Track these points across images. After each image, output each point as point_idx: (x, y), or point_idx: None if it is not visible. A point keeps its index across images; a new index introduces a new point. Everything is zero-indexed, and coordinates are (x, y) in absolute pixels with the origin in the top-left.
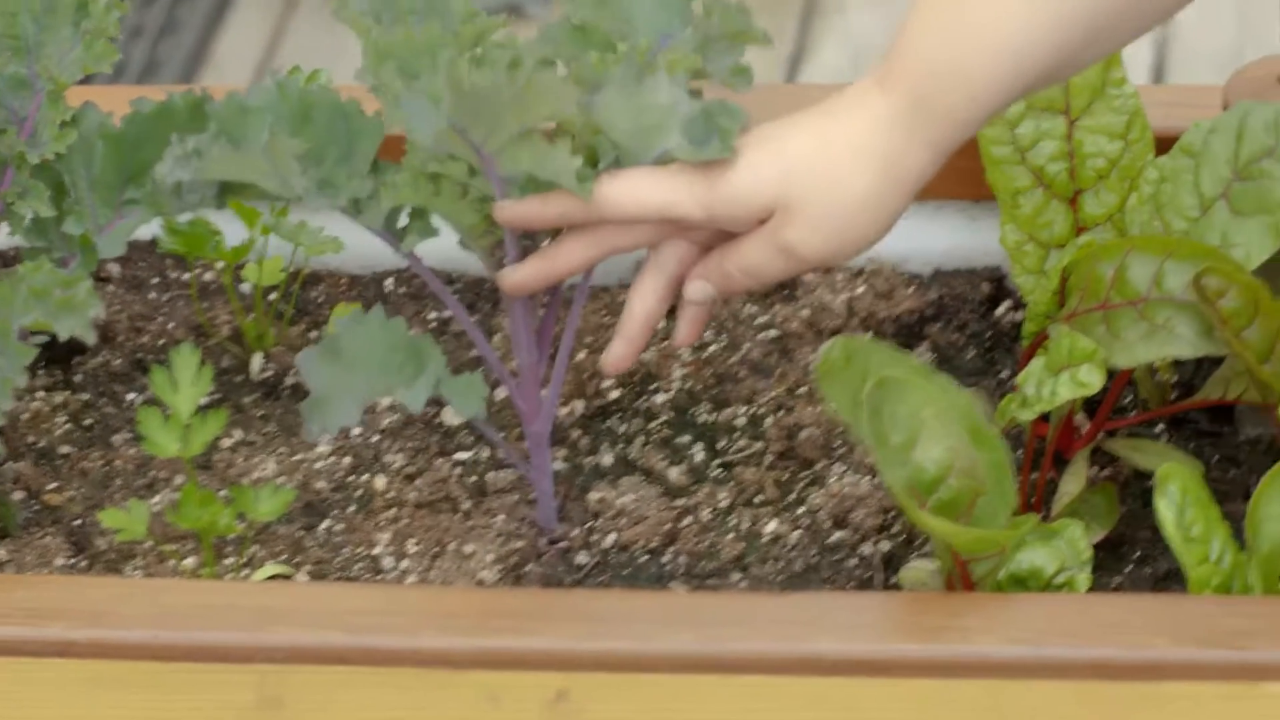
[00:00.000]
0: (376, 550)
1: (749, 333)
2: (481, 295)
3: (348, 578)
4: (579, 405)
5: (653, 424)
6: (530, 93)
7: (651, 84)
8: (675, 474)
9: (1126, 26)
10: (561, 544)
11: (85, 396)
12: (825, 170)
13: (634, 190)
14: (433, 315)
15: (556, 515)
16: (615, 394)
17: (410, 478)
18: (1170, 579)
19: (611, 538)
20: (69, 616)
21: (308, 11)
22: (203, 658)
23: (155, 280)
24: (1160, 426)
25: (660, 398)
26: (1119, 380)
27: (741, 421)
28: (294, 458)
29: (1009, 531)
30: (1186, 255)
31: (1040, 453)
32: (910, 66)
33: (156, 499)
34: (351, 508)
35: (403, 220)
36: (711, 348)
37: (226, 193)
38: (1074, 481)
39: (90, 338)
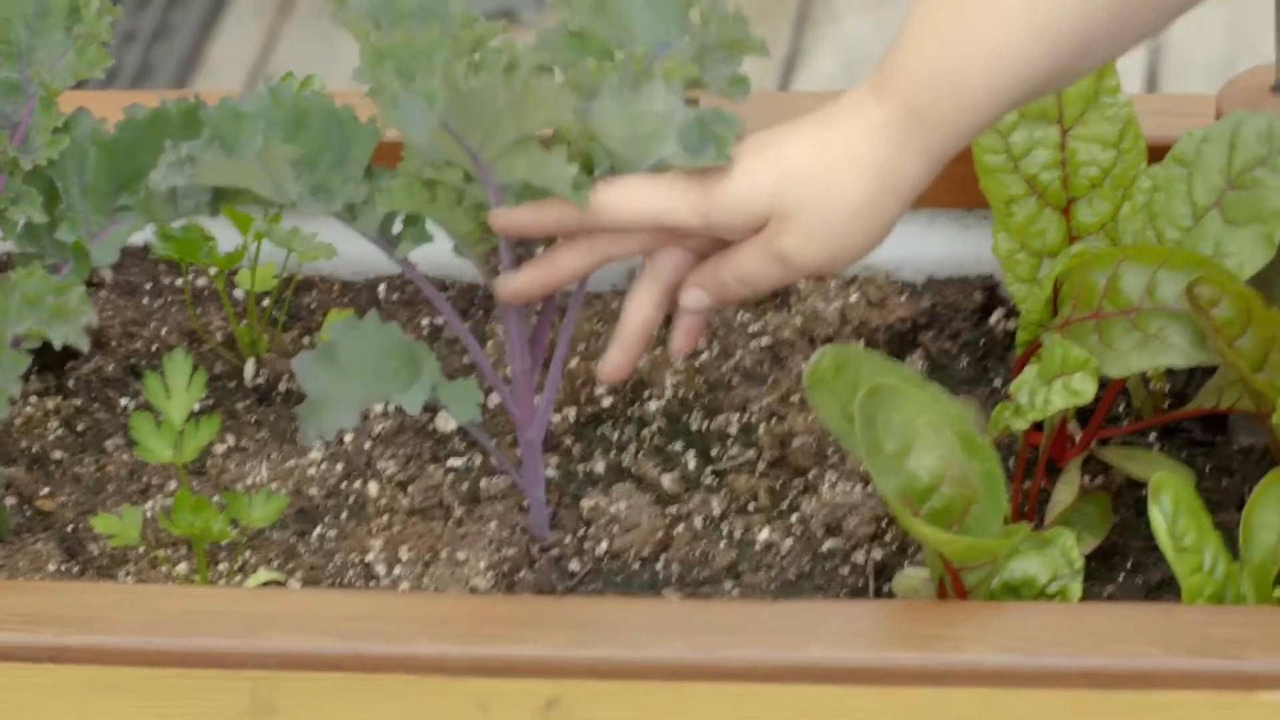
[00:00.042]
0: (369, 557)
1: (741, 340)
2: (475, 302)
3: (340, 584)
4: (571, 412)
5: (645, 431)
6: (527, 99)
7: (647, 92)
8: (668, 481)
9: (1122, 36)
10: (554, 551)
11: (78, 402)
12: (821, 178)
13: (630, 198)
14: (425, 322)
15: (549, 522)
16: (608, 401)
17: (403, 484)
18: (1163, 588)
19: (604, 545)
20: (62, 622)
21: (301, 17)
22: (196, 664)
23: (148, 286)
24: (1153, 436)
25: (653, 405)
26: (1112, 389)
27: (734, 429)
28: (287, 464)
29: (1001, 540)
30: (1179, 264)
31: (1033, 461)
32: (906, 75)
33: (149, 505)
34: (344, 514)
35: (397, 226)
36: (704, 355)
37: (220, 199)
38: (1067, 490)
39: (84, 345)
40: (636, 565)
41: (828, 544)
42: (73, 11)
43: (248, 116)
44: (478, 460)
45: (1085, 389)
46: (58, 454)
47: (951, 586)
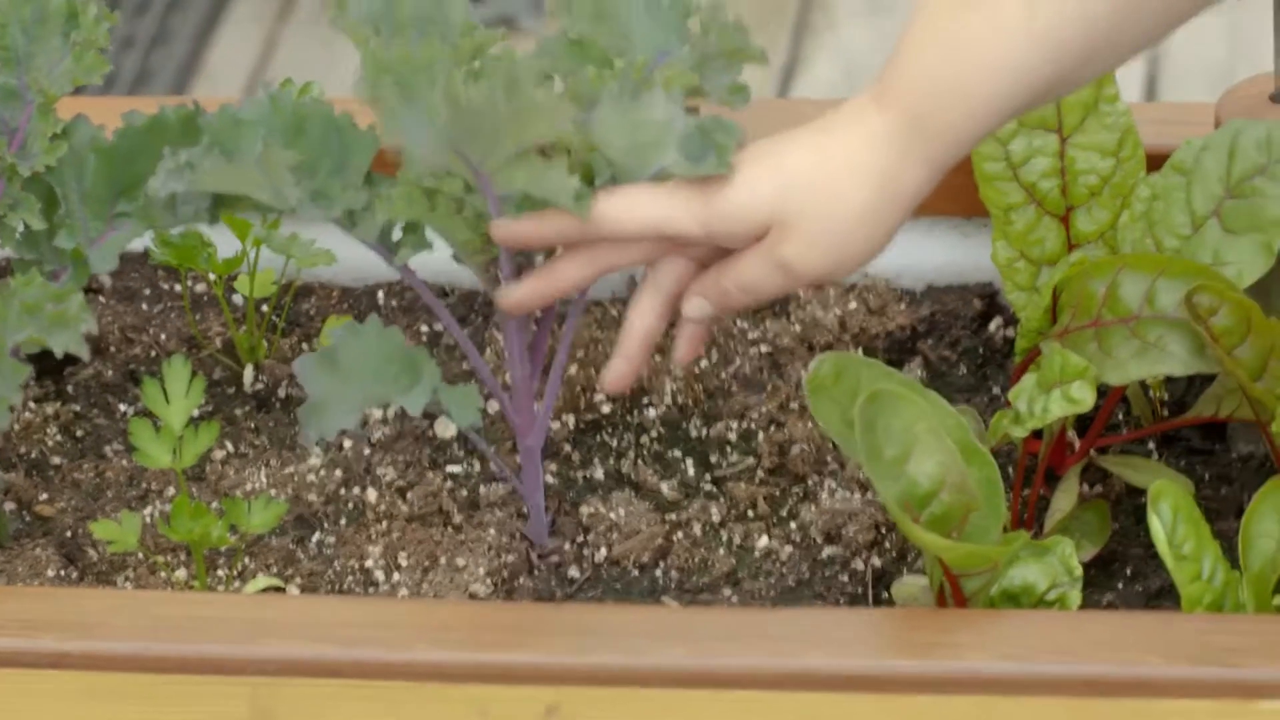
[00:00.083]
0: (368, 563)
1: (740, 347)
2: (474, 308)
3: (340, 590)
4: (571, 419)
5: (645, 438)
6: (527, 111)
7: (648, 100)
8: (667, 488)
9: (1123, 45)
10: (553, 558)
11: (77, 408)
12: (823, 186)
13: (631, 207)
14: (424, 328)
15: (548, 529)
16: (607, 408)
17: (402, 491)
18: (1162, 596)
19: (603, 552)
20: (61, 628)
21: (300, 23)
22: (195, 670)
23: (147, 292)
24: (1152, 444)
25: (652, 412)
26: (1111, 397)
27: (733, 436)
28: (286, 470)
29: (1001, 547)
30: (1178, 273)
31: (1032, 469)
32: (907, 84)
33: (148, 511)
34: (343, 520)
35: (396, 233)
36: (703, 362)
37: (219, 206)
38: (1066, 498)
39: (84, 353)
40: (636, 572)
41: (827, 551)
42: (70, 17)
43: (247, 123)
44: (477, 467)
45: (1084, 397)
46: (57, 459)
47: (951, 594)
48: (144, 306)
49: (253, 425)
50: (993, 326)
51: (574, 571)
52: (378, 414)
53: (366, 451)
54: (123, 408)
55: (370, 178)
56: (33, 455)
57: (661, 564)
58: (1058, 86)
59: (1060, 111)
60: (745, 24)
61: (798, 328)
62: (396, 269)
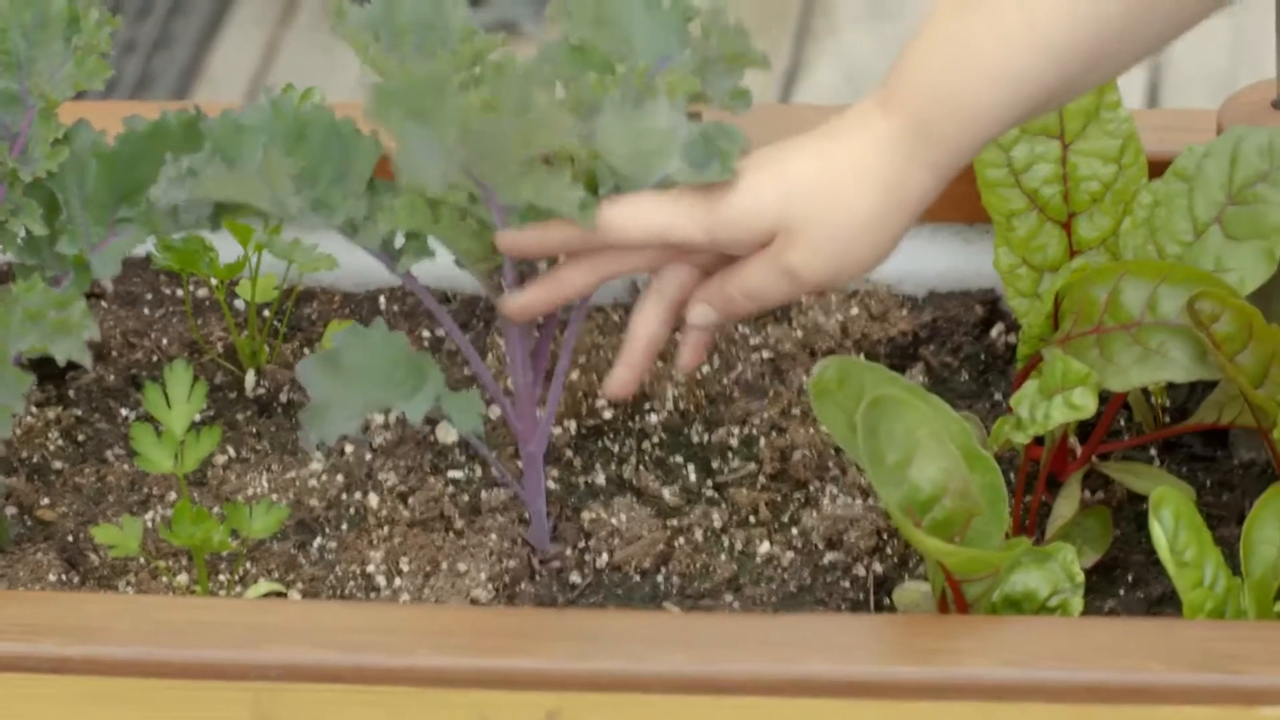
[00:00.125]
0: (370, 568)
1: (742, 353)
2: (476, 314)
3: (341, 596)
4: (572, 424)
5: (646, 444)
6: (535, 125)
7: (650, 108)
8: (668, 494)
9: (1128, 51)
10: (555, 563)
11: (79, 412)
12: (827, 192)
13: (635, 215)
14: (426, 333)
15: (550, 534)
16: (609, 414)
17: (403, 496)
18: (1164, 603)
19: (605, 557)
20: (63, 632)
21: (302, 27)
22: (197, 675)
23: (149, 296)
24: (1154, 450)
25: (654, 418)
26: (1113, 404)
27: (734, 442)
28: (287, 475)
29: (1003, 553)
30: (1180, 280)
31: (1034, 475)
32: (912, 90)
33: (150, 515)
34: (345, 525)
35: (399, 240)
36: (705, 368)
37: (222, 213)
38: (1067, 504)
39: (87, 361)
40: (637, 578)
41: (828, 557)
42: (72, 22)
43: (249, 129)
44: (478, 472)
45: (1086, 404)
46: (58, 464)
47: (953, 600)
48: (146, 311)
49: (254, 430)
50: (994, 333)
51: (575, 577)
52: (379, 419)
53: (368, 456)
54: (124, 412)
55: (373, 184)
56: (34, 460)
57: (663, 570)
58: (1063, 93)
59: (1062, 118)
60: (746, 27)
61: (799, 333)
62: (399, 276)
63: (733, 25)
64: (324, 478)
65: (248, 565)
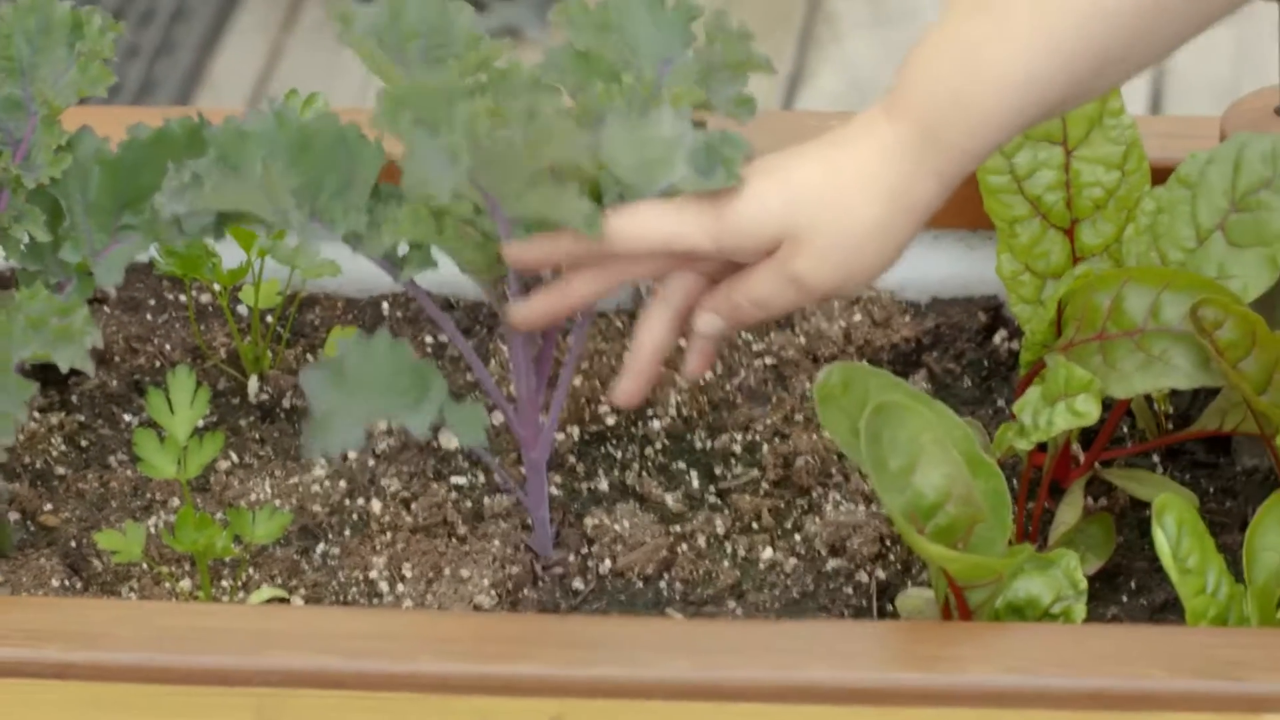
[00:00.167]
0: (373, 574)
1: (745, 359)
2: (478, 319)
3: (344, 602)
4: (575, 430)
5: (649, 450)
6: (544, 139)
7: (655, 117)
8: (671, 500)
9: (1137, 56)
10: (557, 569)
11: (82, 418)
12: (833, 200)
13: (642, 224)
14: (429, 339)
15: (553, 541)
16: (611, 420)
17: (406, 502)
18: (1167, 609)
19: (607, 563)
20: (66, 638)
21: (305, 32)
22: (200, 680)
23: (152, 302)
24: (1157, 457)
25: (656, 424)
26: (1116, 410)
27: (738, 448)
28: (290, 480)
29: (1006, 559)
30: (1183, 286)
31: (1037, 482)
32: (918, 97)
33: (153, 521)
34: (348, 531)
35: (402, 249)
36: (708, 374)
37: (225, 221)
38: (1070, 511)
39: (89, 368)
40: (640, 584)
41: (831, 564)
42: (76, 28)
43: (252, 137)
44: (481, 478)
45: (1089, 410)
46: (61, 469)
47: (955, 606)
48: (149, 317)
49: (257, 436)
50: (997, 339)
51: (578, 583)
52: (382, 425)
53: (371, 462)
54: (127, 418)
55: (377, 191)
56: (37, 465)
57: (666, 576)
58: (1071, 99)
59: (1065, 124)
60: (750, 31)
61: (802, 340)
62: (402, 284)
63: (736, 29)
64: (327, 483)
65: (250, 571)
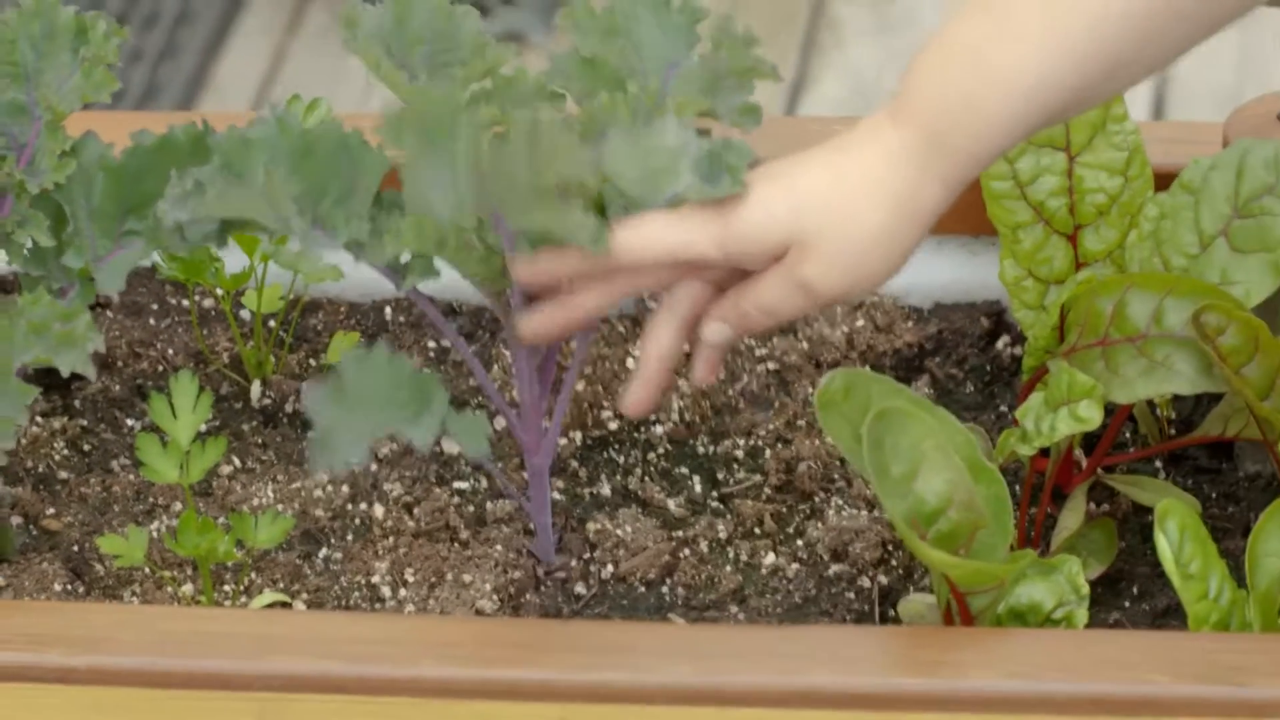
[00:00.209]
0: (375, 579)
1: (748, 365)
2: (481, 324)
3: (346, 606)
4: (578, 435)
5: (651, 455)
6: (548, 159)
7: (659, 127)
8: (674, 505)
9: (1146, 60)
10: (560, 574)
11: (84, 422)
12: (839, 206)
13: (648, 235)
14: (432, 344)
15: (555, 546)
16: (614, 425)
17: (409, 506)
18: (1169, 615)
19: (610, 568)
20: (68, 642)
21: (309, 36)
22: (202, 685)
23: (155, 306)
24: (1159, 462)
25: (659, 429)
26: (1118, 416)
27: (740, 454)
28: (293, 485)
29: (1008, 565)
30: (1186, 292)
31: (1039, 487)
32: (924, 102)
33: (155, 525)
34: (350, 536)
35: (405, 257)
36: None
37: (228, 229)
38: (1073, 516)
39: (90, 373)
40: (642, 589)
41: (833, 569)
42: (80, 33)
43: (256, 144)
44: (484, 483)
45: (1091, 416)
46: (64, 474)
47: (957, 612)
48: (151, 321)
49: (260, 440)
50: (1000, 345)
51: (580, 588)
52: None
53: (374, 467)
54: (130, 422)
55: (380, 198)
56: (40, 469)
57: (668, 581)
58: (1078, 104)
59: (1069, 130)
60: (755, 36)
61: (805, 345)
62: (404, 292)
63: (742, 35)
64: (329, 488)
65: (253, 576)
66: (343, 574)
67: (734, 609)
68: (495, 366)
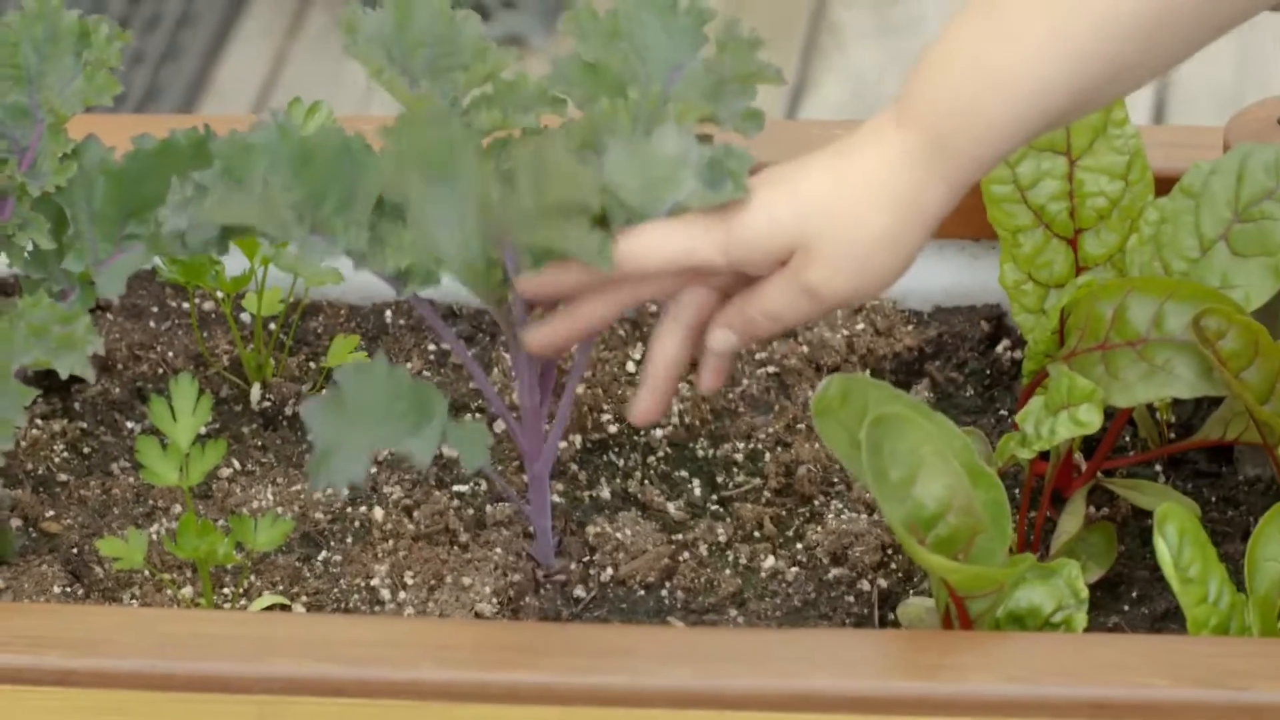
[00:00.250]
0: (374, 581)
1: (748, 368)
2: (481, 328)
3: (345, 609)
4: (578, 438)
5: (651, 458)
6: (551, 186)
7: (660, 135)
8: (673, 509)
9: (1150, 64)
10: (559, 577)
11: (84, 424)
12: (842, 210)
13: (651, 244)
14: (432, 346)
15: (554, 549)
16: (614, 428)
17: (408, 509)
18: (1168, 619)
19: (609, 572)
20: (67, 645)
21: (309, 39)
22: (201, 687)
23: (155, 309)
24: (1159, 466)
25: (659, 432)
26: (1118, 420)
27: (740, 457)
28: (292, 488)
29: (1006, 569)
30: (1186, 296)
31: (1038, 491)
32: (927, 105)
33: (155, 528)
34: (349, 539)
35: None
36: None
37: (229, 235)
38: (1072, 520)
39: (90, 376)
40: (642, 592)
41: (833, 572)
42: (82, 36)
43: (257, 149)
44: (483, 485)
45: (1091, 420)
46: (63, 476)
47: (956, 616)
48: (152, 324)
49: (259, 443)
50: (1000, 348)
51: (580, 591)
52: None
53: (373, 470)
54: (130, 425)
55: (381, 203)
56: (39, 472)
57: (667, 584)
58: (1081, 106)
59: (1069, 134)
60: (759, 38)
61: (805, 349)
62: (404, 297)
63: (747, 36)
64: (329, 491)
65: (252, 578)
66: (342, 577)
67: (733, 612)
68: (495, 370)
